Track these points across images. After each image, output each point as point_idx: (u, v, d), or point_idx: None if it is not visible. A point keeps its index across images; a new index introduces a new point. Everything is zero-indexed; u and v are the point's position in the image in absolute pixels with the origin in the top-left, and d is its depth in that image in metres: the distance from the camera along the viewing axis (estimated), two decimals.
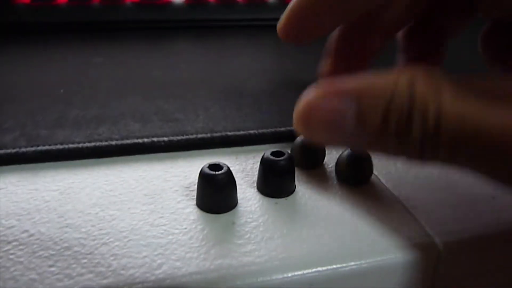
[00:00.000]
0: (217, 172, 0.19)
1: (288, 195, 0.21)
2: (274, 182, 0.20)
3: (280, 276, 0.17)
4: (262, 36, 0.43)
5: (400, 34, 0.23)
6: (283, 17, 0.19)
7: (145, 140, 0.24)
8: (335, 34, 0.22)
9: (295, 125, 0.17)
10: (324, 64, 0.22)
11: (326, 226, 0.19)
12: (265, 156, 0.20)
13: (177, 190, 0.21)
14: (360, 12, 0.19)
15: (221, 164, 0.19)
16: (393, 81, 0.15)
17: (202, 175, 0.19)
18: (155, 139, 0.24)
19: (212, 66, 0.36)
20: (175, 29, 0.43)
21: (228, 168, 0.19)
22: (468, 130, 0.14)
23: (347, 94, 0.16)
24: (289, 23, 0.19)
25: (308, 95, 0.16)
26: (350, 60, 0.22)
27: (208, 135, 0.24)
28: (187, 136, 0.24)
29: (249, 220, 0.19)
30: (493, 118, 0.14)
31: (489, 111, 0.14)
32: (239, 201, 0.20)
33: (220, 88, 0.31)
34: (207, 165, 0.19)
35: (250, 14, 0.44)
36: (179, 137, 0.24)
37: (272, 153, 0.20)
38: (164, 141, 0.24)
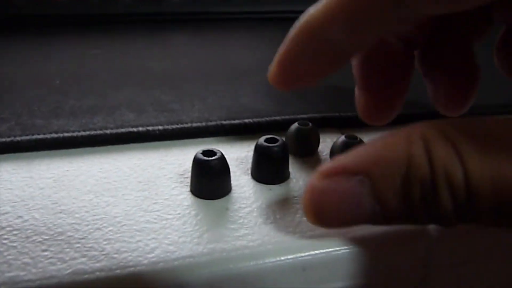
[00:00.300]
0: (210, 158, 0.19)
1: (282, 182, 0.21)
2: (268, 168, 0.20)
3: (273, 260, 0.17)
4: (260, 29, 0.43)
5: (416, 62, 0.21)
6: (274, 64, 0.17)
7: (140, 129, 0.24)
8: (355, 64, 0.20)
9: (307, 217, 0.16)
10: (358, 97, 0.21)
11: None
12: (259, 142, 0.20)
13: (171, 177, 0.21)
14: (354, 51, 0.17)
15: (214, 150, 0.19)
16: (406, 150, 0.13)
17: (196, 160, 0.19)
18: (150, 128, 0.24)
19: (210, 58, 0.36)
20: (173, 22, 0.43)
21: (222, 154, 0.19)
22: (508, 191, 0.12)
23: (356, 173, 0.14)
24: (281, 71, 0.17)
25: (312, 181, 0.15)
26: (381, 88, 0.20)
27: (203, 123, 0.24)
28: (182, 125, 0.24)
29: (242, 205, 0.19)
30: None
31: None
32: (233, 188, 0.20)
33: (217, 79, 0.31)
34: (201, 151, 0.19)
35: (248, 7, 0.44)
36: (173, 126, 0.24)
37: (266, 140, 0.20)
38: (159, 129, 0.24)
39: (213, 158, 0.19)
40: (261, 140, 0.20)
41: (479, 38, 0.20)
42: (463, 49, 0.20)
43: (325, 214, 0.15)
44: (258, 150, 0.20)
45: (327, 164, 0.15)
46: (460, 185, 0.13)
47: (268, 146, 0.20)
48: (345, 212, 0.15)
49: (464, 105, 0.20)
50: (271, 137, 0.20)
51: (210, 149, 0.19)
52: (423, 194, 0.13)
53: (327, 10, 0.16)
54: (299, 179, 0.21)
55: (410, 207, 0.14)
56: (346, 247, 0.17)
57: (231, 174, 0.20)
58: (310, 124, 0.22)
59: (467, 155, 0.13)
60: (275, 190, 0.20)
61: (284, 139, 0.21)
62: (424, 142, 0.13)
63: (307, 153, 0.23)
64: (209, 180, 0.19)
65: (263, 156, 0.20)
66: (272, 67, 0.17)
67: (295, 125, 0.22)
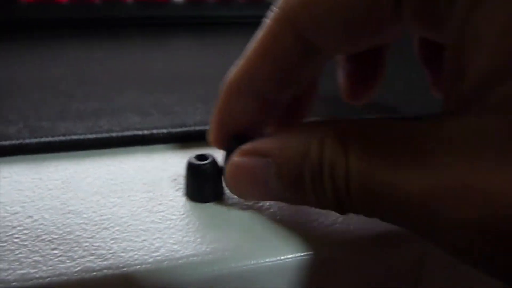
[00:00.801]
0: (203, 162, 0.19)
1: None
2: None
3: (273, 259, 0.17)
4: None
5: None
6: (210, 128, 0.20)
7: (145, 132, 0.24)
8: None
9: (227, 185, 0.19)
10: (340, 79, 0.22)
11: (318, 211, 0.20)
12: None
13: (175, 179, 0.21)
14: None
15: (207, 155, 0.20)
16: (304, 146, 0.15)
17: (189, 165, 0.20)
18: (154, 131, 0.24)
19: (211, 61, 0.37)
20: (174, 25, 0.44)
21: (214, 158, 0.20)
22: (374, 189, 0.14)
23: (265, 155, 0.17)
24: (219, 132, 0.20)
25: (234, 157, 0.18)
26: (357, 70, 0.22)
27: (206, 126, 0.25)
28: (185, 128, 0.25)
29: (244, 207, 0.20)
30: (397, 176, 0.13)
31: (392, 168, 0.13)
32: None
33: (218, 82, 0.32)
34: (194, 156, 0.20)
35: (249, 11, 0.45)
36: (177, 129, 0.25)
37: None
38: (163, 132, 0.24)
39: (205, 162, 0.19)
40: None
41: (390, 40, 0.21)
42: (375, 50, 0.22)
43: (240, 186, 0.18)
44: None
45: (247, 145, 0.18)
46: (340, 177, 0.14)
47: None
48: (256, 187, 0.17)
49: (362, 97, 0.22)
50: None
51: (203, 153, 0.20)
52: (313, 184, 0.15)
53: (250, 67, 0.18)
54: None
55: (303, 191, 0.16)
56: (340, 249, 0.18)
57: None
58: None
59: (352, 156, 0.14)
60: None
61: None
62: (320, 140, 0.15)
63: None
64: (202, 184, 0.19)
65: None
66: (209, 131, 0.20)
67: None
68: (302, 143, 0.16)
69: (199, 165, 0.19)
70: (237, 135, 0.19)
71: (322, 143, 0.15)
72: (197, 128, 0.25)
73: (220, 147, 0.20)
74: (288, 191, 0.17)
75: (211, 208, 0.20)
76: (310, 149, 0.15)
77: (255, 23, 0.46)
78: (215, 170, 0.20)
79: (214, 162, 0.20)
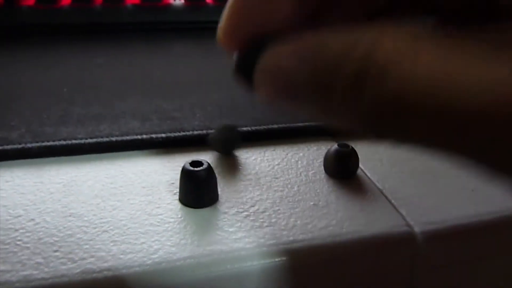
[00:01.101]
0: (197, 169, 0.20)
1: None
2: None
3: (268, 261, 0.18)
4: None
5: None
6: (224, 24, 0.15)
7: (144, 136, 0.25)
8: None
9: (257, 80, 0.14)
10: None
11: (313, 214, 0.20)
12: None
13: (173, 183, 0.22)
14: None
15: (202, 161, 0.20)
16: (351, 42, 0.13)
17: (184, 171, 0.20)
18: (153, 135, 0.25)
19: (210, 66, 0.37)
20: (174, 30, 0.45)
21: (209, 164, 0.20)
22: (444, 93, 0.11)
23: (305, 50, 0.14)
24: (235, 28, 0.15)
25: (274, 46, 0.14)
26: None
27: (204, 131, 0.25)
28: (183, 133, 0.25)
29: (240, 210, 0.20)
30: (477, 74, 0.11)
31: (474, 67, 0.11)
32: (226, 194, 0.21)
33: (217, 88, 0.33)
34: (189, 162, 0.20)
35: None
36: (176, 134, 0.25)
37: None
38: (162, 137, 0.25)
39: (199, 168, 0.20)
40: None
41: None
42: None
43: (270, 69, 0.14)
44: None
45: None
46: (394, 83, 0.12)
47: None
48: (283, 74, 0.14)
49: None
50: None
51: (198, 159, 0.20)
52: (347, 81, 0.12)
53: None
54: (294, 185, 0.22)
55: (332, 89, 0.13)
56: (334, 250, 0.19)
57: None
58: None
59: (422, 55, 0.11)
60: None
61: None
62: (375, 36, 0.12)
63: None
64: (197, 190, 0.20)
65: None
66: (223, 25, 0.15)
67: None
68: (350, 40, 0.13)
69: (193, 171, 0.20)
70: (261, 37, 0.15)
71: (375, 41, 0.12)
72: (196, 133, 0.25)
73: (234, 47, 0.15)
74: (316, 92, 0.13)
75: (208, 212, 0.20)
76: (357, 46, 0.12)
77: None
78: (210, 176, 0.20)
79: (209, 168, 0.20)
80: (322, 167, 0.24)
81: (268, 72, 0.14)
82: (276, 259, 0.18)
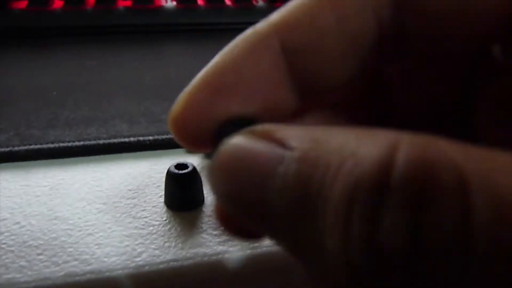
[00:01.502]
0: (182, 171, 0.20)
1: None
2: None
3: (251, 264, 0.18)
4: None
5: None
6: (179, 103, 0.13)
7: (131, 139, 0.25)
8: None
9: (211, 180, 0.11)
10: None
11: None
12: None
13: (159, 186, 0.22)
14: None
15: (187, 163, 0.20)
16: (385, 150, 0.09)
17: (169, 174, 0.20)
18: (141, 138, 0.25)
19: (201, 68, 0.38)
20: (166, 32, 0.45)
21: (194, 167, 0.20)
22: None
23: (286, 145, 0.10)
24: (200, 110, 0.13)
25: (234, 138, 0.11)
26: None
27: None
28: (171, 136, 0.25)
29: None
30: None
31: None
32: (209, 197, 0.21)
33: None
34: (174, 165, 0.20)
35: (239, 18, 0.46)
36: (163, 136, 0.25)
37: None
38: (149, 140, 0.25)
39: (184, 171, 0.20)
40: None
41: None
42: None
43: (231, 183, 0.11)
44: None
45: (260, 125, 0.11)
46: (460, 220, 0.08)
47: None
48: (251, 192, 0.10)
49: None
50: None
51: (183, 162, 0.21)
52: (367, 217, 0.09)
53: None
54: None
55: (323, 223, 0.09)
56: None
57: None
58: None
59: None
60: None
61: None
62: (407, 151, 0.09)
63: None
64: (182, 192, 0.20)
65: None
66: (181, 105, 0.13)
67: None
68: (380, 145, 0.09)
69: (178, 174, 0.20)
70: (236, 118, 0.12)
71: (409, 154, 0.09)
72: None
73: (197, 141, 0.13)
74: (298, 216, 0.10)
75: (192, 215, 0.20)
76: (395, 161, 0.09)
77: (246, 29, 0.46)
78: (195, 178, 0.20)
79: (194, 170, 0.20)
80: None
81: (227, 164, 0.11)
82: (260, 262, 0.18)
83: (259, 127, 0.11)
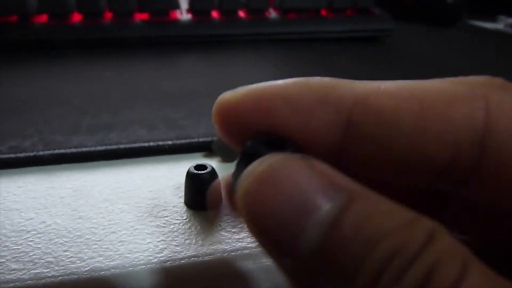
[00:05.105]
0: (202, 172, 0.21)
1: None
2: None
3: (269, 260, 0.18)
4: (263, 50, 0.46)
5: None
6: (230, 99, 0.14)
7: (151, 143, 0.26)
8: None
9: (238, 204, 0.11)
10: None
11: None
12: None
13: (178, 187, 0.23)
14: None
15: (206, 164, 0.21)
16: (409, 229, 0.09)
17: (189, 174, 0.21)
18: (160, 142, 0.26)
19: (217, 77, 0.38)
20: (181, 44, 0.46)
21: (213, 168, 0.21)
22: None
23: (343, 188, 0.10)
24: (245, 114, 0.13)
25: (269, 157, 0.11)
26: None
27: (209, 138, 0.26)
28: (189, 140, 0.26)
29: None
30: None
31: None
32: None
33: None
34: (194, 166, 0.21)
35: (252, 29, 0.47)
36: (182, 141, 0.26)
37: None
38: (168, 144, 0.26)
39: (204, 172, 0.21)
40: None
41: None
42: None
43: (261, 210, 0.10)
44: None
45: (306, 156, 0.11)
46: None
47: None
48: (284, 225, 0.10)
49: None
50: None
51: (202, 163, 0.21)
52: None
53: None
54: None
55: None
56: None
57: None
58: None
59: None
60: None
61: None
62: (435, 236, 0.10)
63: None
64: (201, 192, 0.21)
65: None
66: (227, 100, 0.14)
67: None
68: (406, 225, 0.09)
69: (198, 174, 0.21)
70: (271, 136, 0.12)
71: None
72: (201, 139, 0.26)
73: (232, 137, 0.14)
74: (328, 262, 0.10)
75: (211, 214, 0.21)
76: (414, 235, 0.09)
77: (258, 40, 0.47)
78: (214, 178, 0.21)
79: (212, 171, 0.21)
80: None
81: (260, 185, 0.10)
82: None
83: (309, 157, 0.10)
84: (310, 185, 0.10)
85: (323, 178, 0.10)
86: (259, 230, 0.10)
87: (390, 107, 0.11)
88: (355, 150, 0.12)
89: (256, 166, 0.11)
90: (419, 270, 0.09)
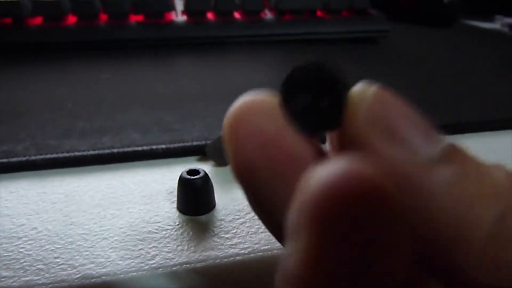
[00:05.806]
0: (194, 177, 0.21)
1: None
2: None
3: (263, 266, 0.18)
4: (259, 52, 0.46)
5: None
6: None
7: (144, 147, 0.26)
8: None
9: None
10: None
11: None
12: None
13: (171, 192, 0.23)
14: None
15: (199, 169, 0.21)
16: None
17: (181, 179, 0.21)
18: (153, 146, 0.26)
19: (211, 80, 0.38)
20: (177, 46, 0.46)
21: (205, 173, 0.21)
22: None
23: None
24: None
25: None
26: None
27: (203, 142, 0.26)
28: (183, 144, 0.26)
29: (236, 217, 0.21)
30: None
31: None
32: (223, 202, 0.22)
33: (217, 100, 0.33)
34: (186, 170, 0.21)
35: (248, 31, 0.47)
36: (175, 145, 0.26)
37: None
38: (161, 148, 0.26)
39: (196, 177, 0.21)
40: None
41: None
42: None
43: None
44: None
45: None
46: None
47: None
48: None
49: None
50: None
51: (195, 168, 0.21)
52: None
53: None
54: None
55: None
56: None
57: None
58: None
59: None
60: None
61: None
62: None
63: None
64: (194, 197, 0.21)
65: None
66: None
67: None
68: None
69: (190, 179, 0.20)
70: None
71: None
72: (195, 143, 0.26)
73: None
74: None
75: (204, 219, 0.21)
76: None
77: (254, 42, 0.47)
78: (206, 183, 0.21)
79: (205, 176, 0.21)
80: None
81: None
82: (271, 264, 0.18)
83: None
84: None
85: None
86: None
87: None
88: None
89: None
90: None
